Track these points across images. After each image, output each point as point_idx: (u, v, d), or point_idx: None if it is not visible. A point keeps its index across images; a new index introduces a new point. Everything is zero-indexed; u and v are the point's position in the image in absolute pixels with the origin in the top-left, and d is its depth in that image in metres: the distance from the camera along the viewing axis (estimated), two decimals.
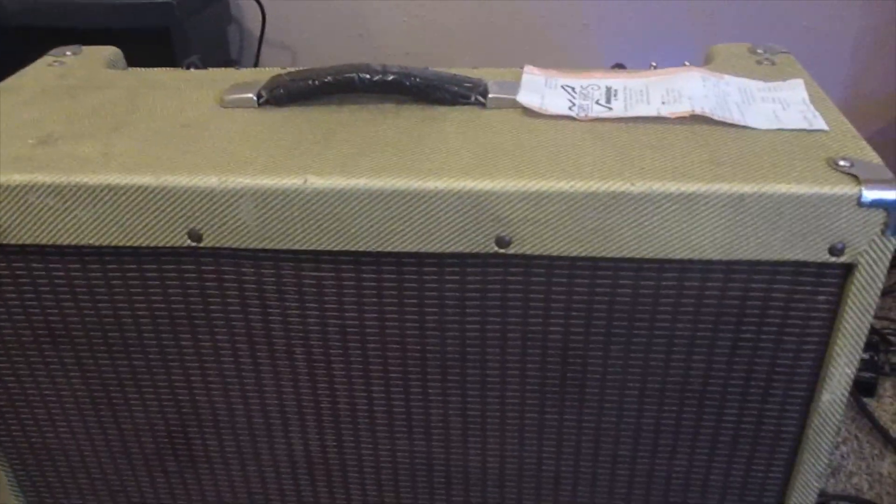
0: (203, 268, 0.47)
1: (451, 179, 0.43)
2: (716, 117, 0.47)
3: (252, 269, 0.47)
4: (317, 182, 0.43)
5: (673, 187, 0.41)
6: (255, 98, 0.51)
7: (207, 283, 0.48)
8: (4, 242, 0.46)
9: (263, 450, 0.55)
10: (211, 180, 0.44)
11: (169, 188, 0.44)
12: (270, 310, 0.48)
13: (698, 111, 0.47)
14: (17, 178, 0.45)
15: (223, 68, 0.60)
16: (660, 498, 0.53)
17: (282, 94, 0.51)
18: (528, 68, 0.54)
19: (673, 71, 0.53)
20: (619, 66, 0.57)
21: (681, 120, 0.48)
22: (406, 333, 0.48)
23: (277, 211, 0.44)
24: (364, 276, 0.46)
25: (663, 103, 0.49)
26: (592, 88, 0.52)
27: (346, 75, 0.49)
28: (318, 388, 0.51)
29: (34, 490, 0.59)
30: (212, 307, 0.49)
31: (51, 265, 0.48)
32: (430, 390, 0.50)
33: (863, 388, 0.87)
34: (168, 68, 0.60)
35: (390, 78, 0.49)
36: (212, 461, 0.56)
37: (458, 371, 0.49)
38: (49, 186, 0.44)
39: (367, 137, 0.47)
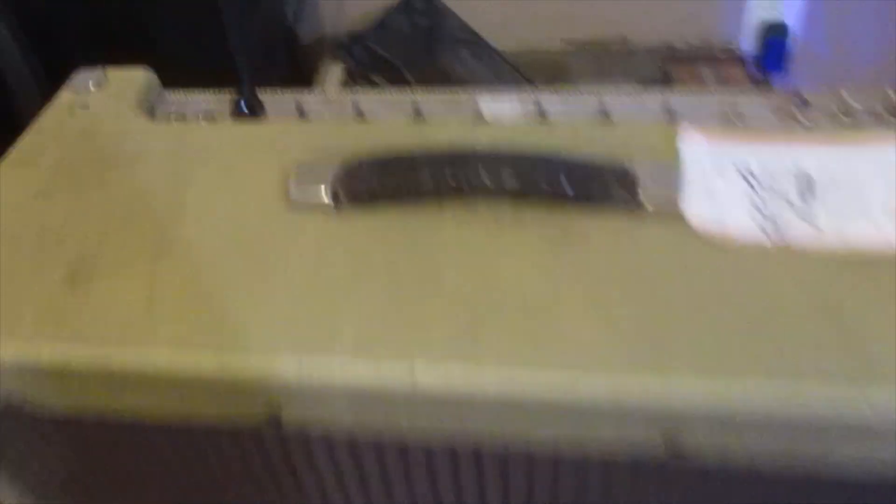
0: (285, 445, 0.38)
1: (602, 377, 0.31)
2: None
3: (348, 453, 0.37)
4: (425, 377, 0.32)
5: None
6: (330, 200, 0.39)
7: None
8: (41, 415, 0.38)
9: None
10: (288, 364, 0.33)
11: (233, 371, 0.34)
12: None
13: None
14: (47, 351, 0.35)
15: (279, 119, 0.47)
16: None
17: (363, 194, 0.39)
18: (685, 131, 0.40)
19: (874, 134, 0.38)
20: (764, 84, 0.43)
21: None
22: None
23: (377, 406, 0.34)
24: (485, 474, 0.36)
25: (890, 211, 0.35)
26: (780, 175, 0.38)
27: (450, 183, 0.37)
28: None
29: None
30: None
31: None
32: None
33: None
34: (213, 118, 0.48)
35: (512, 185, 0.37)
36: None
37: None
38: (85, 358, 0.35)
39: (485, 280, 0.35)
